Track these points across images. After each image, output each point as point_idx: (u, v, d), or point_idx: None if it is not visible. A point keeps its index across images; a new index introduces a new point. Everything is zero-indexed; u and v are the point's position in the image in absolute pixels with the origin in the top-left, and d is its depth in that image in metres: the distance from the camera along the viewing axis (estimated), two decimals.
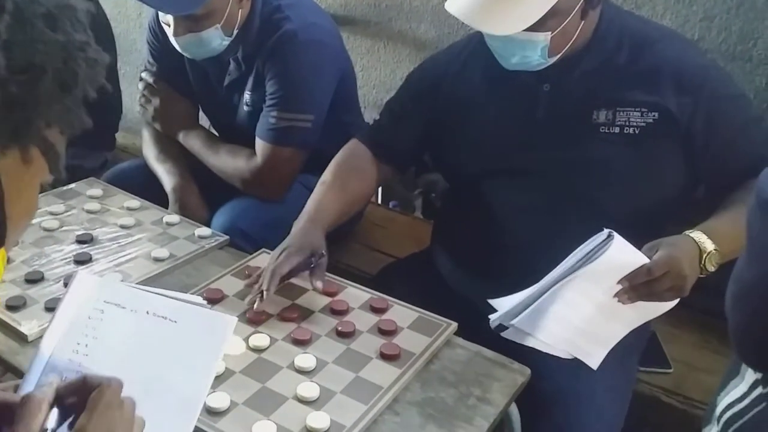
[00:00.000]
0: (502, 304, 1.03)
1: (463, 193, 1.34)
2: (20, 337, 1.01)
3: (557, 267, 0.98)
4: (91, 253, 1.24)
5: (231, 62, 1.49)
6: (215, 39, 1.39)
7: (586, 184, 1.17)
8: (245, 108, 1.50)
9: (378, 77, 2.20)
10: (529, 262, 1.03)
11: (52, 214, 1.37)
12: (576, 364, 1.03)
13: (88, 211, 1.39)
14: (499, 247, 1.24)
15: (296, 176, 1.49)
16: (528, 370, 1.03)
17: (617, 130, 1.15)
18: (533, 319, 0.99)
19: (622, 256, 0.96)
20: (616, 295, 1.00)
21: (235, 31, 1.42)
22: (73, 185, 1.50)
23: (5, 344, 1.01)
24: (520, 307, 1.00)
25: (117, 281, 0.71)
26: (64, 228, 1.32)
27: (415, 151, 1.39)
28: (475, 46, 1.28)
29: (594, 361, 1.03)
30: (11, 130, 0.46)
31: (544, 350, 1.02)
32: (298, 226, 1.21)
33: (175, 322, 0.70)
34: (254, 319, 1.08)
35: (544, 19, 1.07)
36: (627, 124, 1.15)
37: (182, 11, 1.32)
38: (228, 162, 1.49)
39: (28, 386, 0.64)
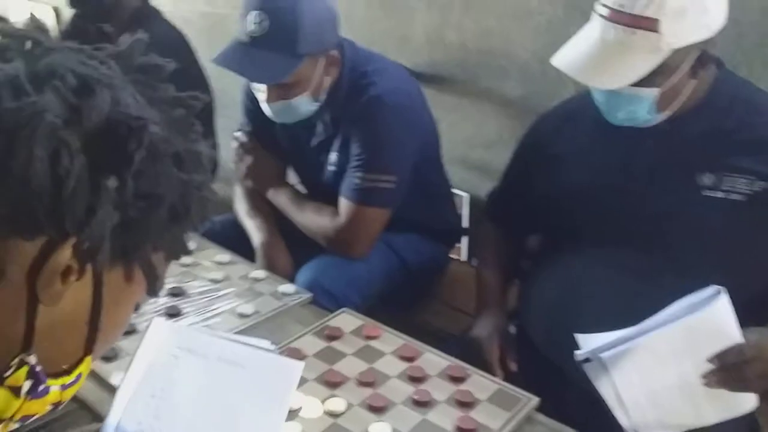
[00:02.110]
0: (590, 341, 1.00)
1: (553, 249, 1.32)
2: (109, 389, 1.06)
3: (660, 313, 0.95)
4: (181, 306, 1.29)
5: (319, 124, 1.54)
6: (304, 105, 1.45)
7: (683, 248, 1.13)
8: (331, 168, 1.54)
9: (464, 133, 2.21)
10: (620, 326, 1.00)
11: None
12: None
13: (181, 264, 1.45)
14: (589, 309, 1.20)
15: (380, 235, 1.51)
16: None
17: (721, 194, 1.11)
18: (620, 359, 0.95)
19: (723, 318, 0.93)
20: (704, 375, 0.94)
21: (323, 96, 1.47)
22: None
23: (95, 394, 1.05)
24: (612, 344, 0.96)
25: (189, 327, 0.73)
26: None
27: (535, 217, 1.41)
28: (579, 102, 1.29)
29: None
30: (122, 249, 0.49)
31: (610, 404, 0.97)
32: (486, 314, 1.35)
33: (244, 367, 0.72)
34: (331, 381, 1.08)
35: (652, 75, 1.06)
36: (732, 190, 1.11)
37: (272, 81, 1.39)
38: (313, 219, 1.53)
39: (110, 427, 0.67)
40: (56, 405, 0.55)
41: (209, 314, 1.28)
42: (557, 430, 1.02)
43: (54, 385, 0.53)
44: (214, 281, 1.39)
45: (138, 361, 0.72)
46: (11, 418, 0.52)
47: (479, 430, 0.99)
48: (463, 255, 2.12)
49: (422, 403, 1.04)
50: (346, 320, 1.26)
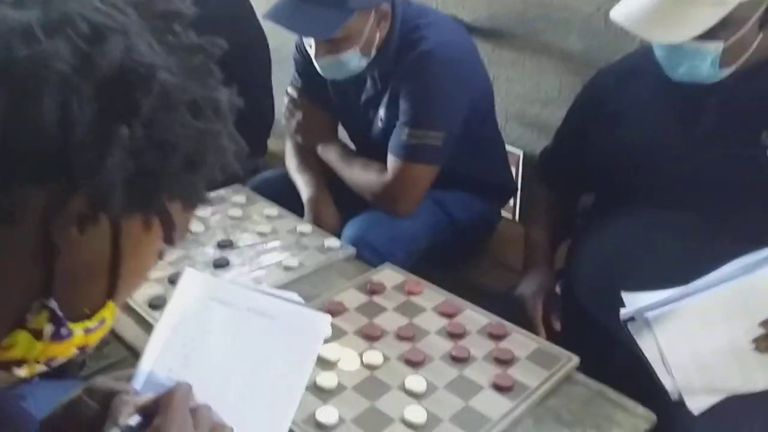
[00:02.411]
0: (636, 299, 0.96)
1: (606, 208, 1.29)
2: None
3: (712, 274, 0.91)
4: (230, 258, 1.32)
5: (368, 80, 1.52)
6: (353, 60, 1.43)
7: (744, 208, 1.08)
8: (379, 124, 1.53)
9: (521, 89, 2.14)
10: (673, 285, 0.96)
11: (198, 217, 1.48)
12: (681, 405, 0.94)
13: (231, 217, 1.49)
14: (641, 268, 1.16)
15: (426, 192, 1.49)
16: (653, 417, 0.96)
17: None
18: (666, 319, 0.91)
19: None
20: (755, 340, 0.90)
21: (373, 52, 1.45)
22: (221, 191, 1.61)
23: (143, 341, 1.09)
24: (659, 303, 0.93)
25: (220, 279, 0.74)
26: (208, 232, 1.42)
27: (582, 170, 1.37)
28: (641, 57, 1.23)
29: (696, 405, 0.94)
30: (137, 198, 0.50)
31: (653, 366, 0.94)
32: (533, 273, 1.35)
33: (274, 318, 0.73)
34: (370, 335, 1.09)
35: (717, 28, 1.00)
36: None
37: (322, 36, 1.37)
38: (360, 176, 1.53)
39: (140, 377, 0.69)
40: (82, 348, 0.57)
41: (256, 267, 1.31)
42: (597, 391, 1.00)
43: (77, 329, 0.54)
44: (262, 234, 1.42)
45: (170, 311, 0.73)
46: (36, 360, 0.54)
47: (516, 387, 0.98)
48: (515, 214, 2.08)
49: (460, 359, 1.04)
50: (389, 275, 1.26)
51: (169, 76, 0.49)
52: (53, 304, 0.51)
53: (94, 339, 0.57)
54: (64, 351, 0.55)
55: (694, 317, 0.91)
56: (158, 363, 0.70)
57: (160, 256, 0.58)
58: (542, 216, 1.45)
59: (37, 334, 0.52)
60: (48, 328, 0.52)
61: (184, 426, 0.59)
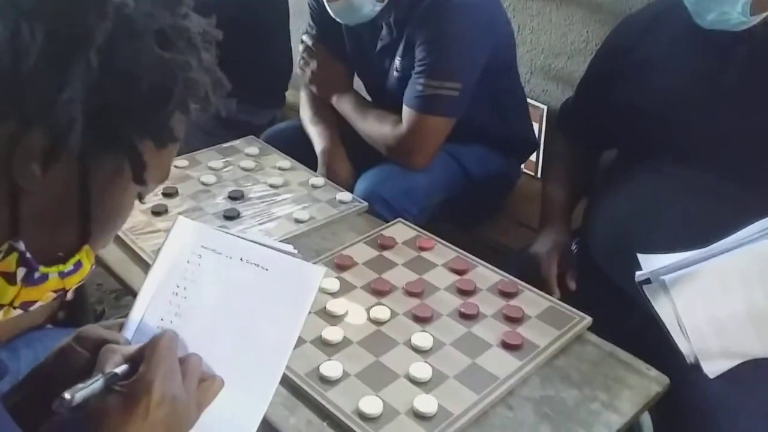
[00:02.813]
0: (652, 261, 0.93)
1: (626, 166, 1.24)
2: None
3: (731, 236, 0.88)
4: (240, 209, 1.31)
5: (384, 27, 1.47)
6: (367, 5, 1.38)
7: (766, 169, 1.02)
8: (395, 74, 1.48)
9: (547, 41, 2.06)
10: (688, 248, 0.92)
11: (211, 169, 1.46)
12: (696, 367, 0.91)
13: (244, 169, 1.46)
14: (660, 228, 1.12)
15: (442, 145, 1.45)
16: (666, 380, 0.93)
17: None
18: (683, 282, 0.88)
19: None
20: None
21: None
22: (234, 142, 1.58)
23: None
24: (676, 266, 0.89)
25: (214, 228, 0.73)
26: (220, 183, 1.41)
27: (606, 123, 1.31)
28: (670, 3, 1.17)
29: (712, 368, 0.91)
30: (103, 134, 0.47)
31: (669, 329, 0.91)
32: (548, 230, 1.30)
33: (267, 269, 0.70)
34: (378, 290, 1.07)
35: None
36: None
37: None
38: (375, 127, 1.49)
39: (131, 326, 0.68)
40: (60, 293, 0.55)
41: (266, 219, 1.29)
42: (609, 351, 0.97)
43: (51, 273, 0.53)
44: (274, 186, 1.40)
45: (161, 259, 0.71)
46: (11, 305, 0.53)
47: (525, 346, 0.96)
48: (537, 170, 2.03)
49: (468, 316, 1.01)
50: (401, 230, 1.24)
51: (130, 2, 0.46)
52: (21, 246, 0.49)
53: (72, 283, 0.56)
54: (40, 295, 0.54)
55: (712, 280, 0.87)
56: (149, 312, 0.69)
57: (140, 198, 0.56)
58: (561, 172, 1.40)
59: (10, 278, 0.51)
60: (21, 272, 0.51)
61: (171, 374, 0.57)
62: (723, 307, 0.88)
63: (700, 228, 1.02)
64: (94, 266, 0.57)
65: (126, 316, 0.68)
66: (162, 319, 0.68)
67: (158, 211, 1.29)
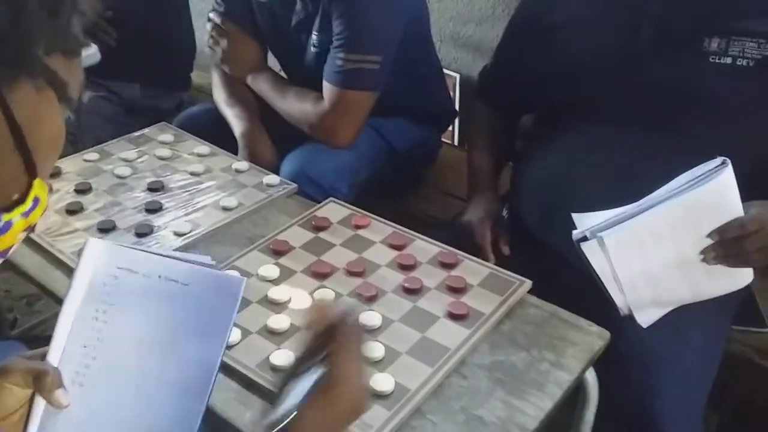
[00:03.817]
0: (587, 219, 0.96)
1: (549, 128, 1.27)
2: None
3: (661, 189, 0.91)
4: (162, 201, 1.25)
5: (298, 2, 1.42)
6: None
7: (688, 118, 1.08)
8: (313, 49, 1.45)
9: (454, 9, 2.08)
10: (618, 203, 0.95)
11: (124, 160, 1.38)
12: (631, 320, 0.96)
13: (160, 158, 1.39)
14: (585, 189, 1.16)
15: (366, 120, 1.44)
16: (607, 334, 0.97)
17: (729, 60, 1.05)
18: (619, 237, 0.91)
19: (727, 190, 0.89)
20: (703, 251, 0.92)
21: None
22: (145, 130, 1.50)
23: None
24: (610, 222, 0.92)
25: (126, 246, 0.71)
26: (136, 175, 1.33)
27: (527, 90, 1.33)
28: None
29: (645, 318, 0.96)
30: (10, 61, 0.46)
31: (605, 284, 0.95)
32: (473, 199, 1.32)
33: (187, 285, 0.69)
34: (319, 272, 1.05)
35: None
36: (741, 55, 1.04)
37: None
38: (295, 106, 1.45)
39: (54, 354, 0.66)
40: (28, 230, 0.55)
41: (191, 209, 1.23)
42: (551, 312, 1.00)
43: (14, 218, 0.52)
44: (195, 174, 1.34)
45: (77, 284, 0.68)
46: None
47: (471, 315, 0.97)
48: (454, 139, 2.06)
49: (413, 291, 1.02)
50: (334, 210, 1.22)
51: None
52: None
53: (35, 218, 0.54)
54: (11, 240, 0.54)
55: (646, 233, 0.91)
56: (71, 339, 0.66)
57: (71, 111, 0.54)
58: (484, 139, 1.42)
59: None
60: None
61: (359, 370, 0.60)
62: (654, 257, 0.92)
63: (628, 182, 1.06)
64: (51, 195, 0.56)
65: (42, 321, 0.66)
66: (85, 346, 0.66)
67: (73, 209, 1.21)
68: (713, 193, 0.88)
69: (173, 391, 0.66)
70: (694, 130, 1.07)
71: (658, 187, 0.92)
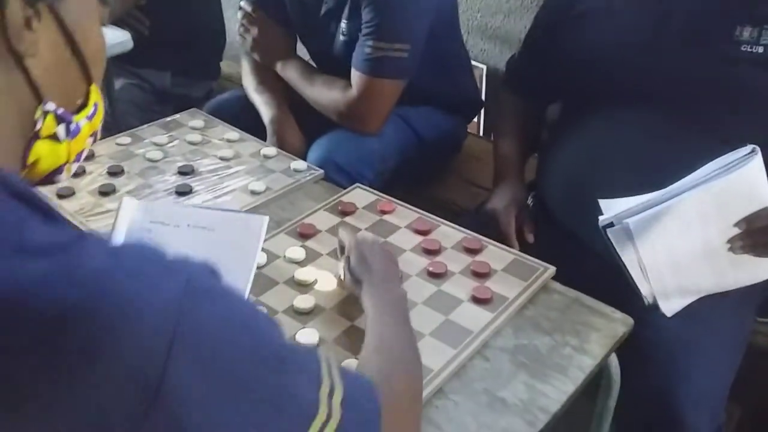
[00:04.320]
0: (614, 206, 0.96)
1: (575, 117, 1.26)
2: None
3: (688, 176, 0.91)
4: (192, 184, 1.27)
5: None
6: None
7: (719, 110, 1.07)
8: (341, 38, 1.46)
9: (484, 0, 2.08)
10: (643, 191, 0.95)
11: (156, 144, 1.41)
12: (654, 308, 0.96)
13: (190, 143, 1.42)
14: (611, 178, 1.15)
15: (393, 108, 1.45)
16: (631, 320, 0.97)
17: (761, 50, 1.03)
18: (646, 224, 0.91)
19: (756, 179, 0.89)
20: (730, 240, 0.91)
21: None
22: (177, 116, 1.53)
23: None
24: (638, 209, 0.92)
25: (158, 202, 0.79)
26: (167, 159, 1.36)
27: (556, 81, 1.34)
28: None
29: (669, 307, 0.96)
30: None
31: (630, 271, 0.95)
32: (503, 186, 1.32)
33: (214, 229, 0.76)
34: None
35: None
36: None
37: None
38: (324, 94, 1.47)
39: None
40: (93, 137, 0.63)
41: (220, 192, 1.26)
42: (574, 298, 1.01)
43: (81, 121, 0.59)
44: (224, 159, 1.36)
45: (113, 238, 0.75)
46: (67, 161, 0.60)
47: (495, 299, 0.98)
48: (480, 129, 2.06)
49: (437, 275, 1.03)
50: (360, 196, 1.23)
51: None
52: (50, 106, 0.55)
53: (97, 123, 0.63)
54: (83, 143, 0.61)
55: (673, 221, 0.91)
56: None
57: (103, 23, 0.61)
58: (510, 127, 1.43)
59: (55, 138, 0.57)
60: (60, 129, 0.57)
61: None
62: (681, 246, 0.92)
63: (654, 171, 1.06)
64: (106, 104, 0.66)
65: None
66: None
67: (106, 191, 1.24)
68: (742, 181, 0.88)
69: None
70: (724, 120, 1.06)
71: (682, 173, 0.92)
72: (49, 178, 0.60)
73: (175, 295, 0.44)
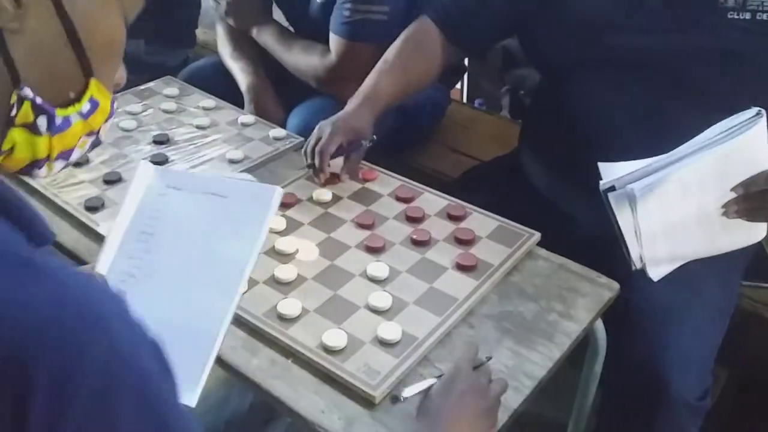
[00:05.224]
0: (613, 169, 0.92)
1: (556, 87, 1.22)
2: (98, 238, 1.02)
3: (693, 139, 0.88)
4: (168, 154, 1.23)
5: None
6: None
7: (704, 78, 1.04)
8: (318, 0, 1.41)
9: None
10: (641, 157, 0.92)
11: (129, 113, 1.36)
12: (641, 275, 0.94)
13: (165, 111, 1.38)
14: (594, 148, 1.12)
15: None
16: (617, 285, 0.96)
17: (748, 15, 1.00)
18: (651, 191, 0.87)
19: (759, 144, 0.86)
20: (725, 205, 0.90)
21: None
22: (151, 84, 1.48)
23: (83, 244, 1.02)
24: (640, 173, 0.88)
25: (176, 169, 0.79)
26: (141, 128, 1.32)
27: (494, 35, 1.27)
28: None
29: (656, 272, 0.94)
30: None
31: (625, 235, 0.91)
32: (351, 105, 1.17)
33: (226, 197, 0.75)
34: (326, 224, 1.04)
35: None
36: (761, 8, 0.99)
37: None
38: (301, 59, 1.42)
39: (103, 266, 0.72)
40: (91, 135, 0.56)
41: (197, 161, 1.22)
42: (560, 264, 0.99)
43: (72, 116, 0.53)
44: (201, 127, 1.32)
45: (128, 204, 0.75)
46: (49, 158, 0.53)
47: (479, 266, 0.96)
48: (464, 96, 2.03)
49: (421, 243, 1.01)
50: (341, 163, 1.20)
51: None
52: (27, 92, 0.49)
53: (98, 122, 0.56)
54: (73, 141, 0.54)
55: (674, 186, 0.88)
56: (120, 251, 0.73)
57: (126, 21, 0.54)
58: (411, 63, 1.21)
59: (33, 129, 0.51)
60: (41, 121, 0.51)
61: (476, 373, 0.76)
62: (678, 211, 0.90)
63: (642, 136, 1.04)
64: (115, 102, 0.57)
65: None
66: (131, 257, 0.72)
67: (79, 161, 1.19)
68: (745, 145, 0.86)
69: (203, 289, 0.71)
70: (715, 89, 1.03)
71: (673, 143, 0.89)
72: (27, 170, 0.55)
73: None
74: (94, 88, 0.53)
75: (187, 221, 0.74)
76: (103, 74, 0.54)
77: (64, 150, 0.54)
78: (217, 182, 0.76)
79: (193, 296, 0.71)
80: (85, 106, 0.53)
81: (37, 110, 0.50)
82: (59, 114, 0.52)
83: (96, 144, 0.58)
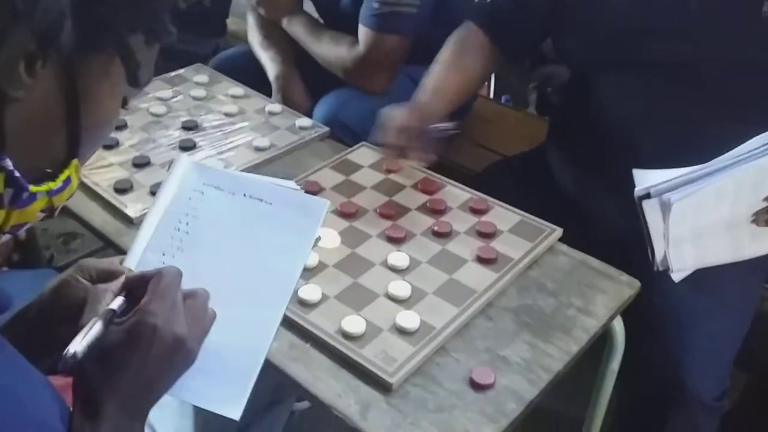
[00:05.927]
0: (648, 177, 0.90)
1: (588, 87, 1.21)
2: (126, 219, 1.05)
3: (731, 152, 0.86)
4: (196, 139, 1.25)
5: None
6: None
7: (742, 88, 1.02)
8: None
9: None
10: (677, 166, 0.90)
11: (159, 99, 1.39)
12: (662, 276, 0.93)
13: (195, 98, 1.40)
14: (624, 150, 1.12)
15: (400, 66, 1.42)
16: (637, 283, 0.95)
17: None
18: (688, 202, 0.85)
19: None
20: (756, 213, 0.89)
21: None
22: (181, 71, 1.51)
23: (112, 226, 1.05)
24: (677, 182, 0.86)
25: (216, 166, 0.74)
26: (171, 114, 1.34)
27: (536, 35, 1.26)
28: None
29: (679, 274, 0.93)
30: (90, 33, 0.44)
31: (653, 240, 0.90)
32: (420, 100, 1.16)
33: (271, 204, 0.71)
34: (347, 212, 1.06)
35: None
36: None
37: None
38: (330, 50, 1.43)
39: (132, 260, 0.68)
40: (49, 212, 0.52)
41: (224, 148, 1.24)
42: (580, 260, 0.99)
43: (40, 193, 0.49)
44: (229, 115, 1.34)
45: (163, 195, 0.72)
46: (0, 230, 0.49)
47: (500, 259, 0.97)
48: (491, 91, 2.03)
49: (442, 234, 1.01)
50: (365, 154, 1.21)
51: None
52: (8, 164, 0.45)
53: (61, 201, 0.52)
54: (29, 217, 0.50)
55: (709, 198, 0.87)
56: (151, 246, 0.69)
57: (124, 103, 0.53)
58: (465, 62, 1.23)
59: None
60: (8, 193, 0.46)
61: (174, 311, 0.56)
62: (709, 218, 0.89)
63: (673, 142, 1.03)
64: (80, 181, 0.54)
65: (77, 260, 0.67)
66: (164, 254, 0.68)
67: (109, 144, 1.22)
68: None
69: (248, 301, 0.67)
70: (753, 100, 1.01)
71: (706, 150, 0.87)
72: None
73: None
74: (72, 168, 0.51)
75: (226, 223, 0.70)
76: (85, 154, 0.52)
77: (17, 224, 0.50)
78: (262, 187, 0.72)
79: (238, 306, 0.66)
80: (58, 184, 0.50)
81: (10, 183, 0.46)
82: (31, 190, 0.48)
83: (49, 215, 0.53)
